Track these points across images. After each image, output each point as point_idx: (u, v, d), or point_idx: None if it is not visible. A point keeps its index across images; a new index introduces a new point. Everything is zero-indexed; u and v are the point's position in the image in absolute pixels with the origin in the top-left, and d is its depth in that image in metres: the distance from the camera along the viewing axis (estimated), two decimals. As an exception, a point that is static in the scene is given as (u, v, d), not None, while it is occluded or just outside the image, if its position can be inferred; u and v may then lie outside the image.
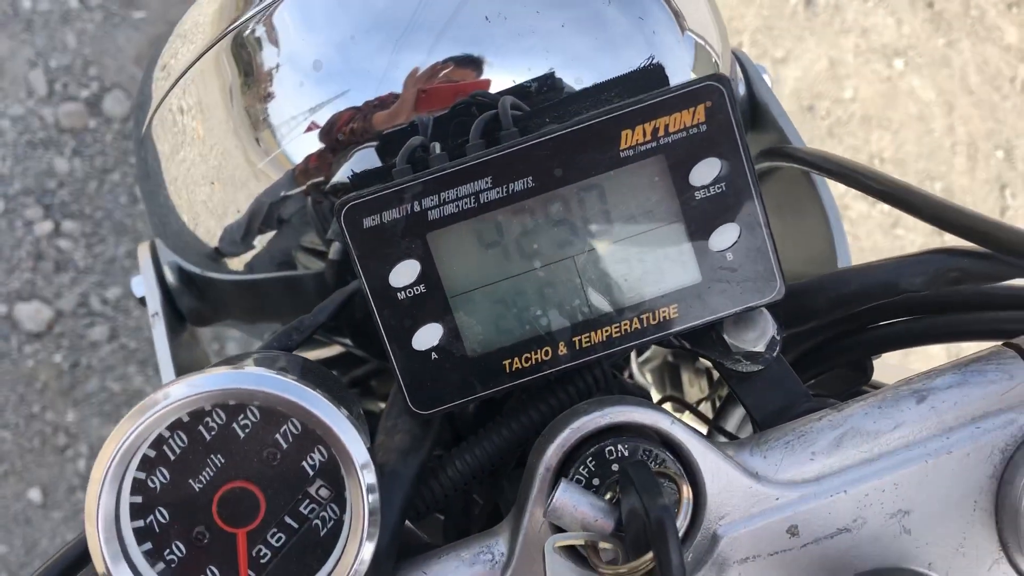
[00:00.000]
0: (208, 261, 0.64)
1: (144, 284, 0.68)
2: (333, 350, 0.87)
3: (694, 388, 0.93)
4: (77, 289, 2.04)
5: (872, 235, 3.13)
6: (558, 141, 0.45)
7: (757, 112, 0.70)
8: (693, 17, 0.61)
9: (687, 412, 0.80)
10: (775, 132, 0.68)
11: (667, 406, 0.79)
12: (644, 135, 0.45)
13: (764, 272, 0.47)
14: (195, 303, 0.69)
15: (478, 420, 0.62)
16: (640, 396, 0.57)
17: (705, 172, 0.46)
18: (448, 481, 0.49)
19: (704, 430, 0.69)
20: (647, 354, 0.98)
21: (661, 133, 0.45)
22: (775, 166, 0.69)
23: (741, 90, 0.69)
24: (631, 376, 0.84)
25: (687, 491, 0.41)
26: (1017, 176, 3.52)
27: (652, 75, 0.53)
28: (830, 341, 0.60)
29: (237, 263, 0.63)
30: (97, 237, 2.07)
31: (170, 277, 0.69)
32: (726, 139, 0.45)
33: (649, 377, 0.99)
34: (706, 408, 0.84)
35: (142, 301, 0.69)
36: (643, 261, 0.46)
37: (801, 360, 0.62)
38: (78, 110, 2.08)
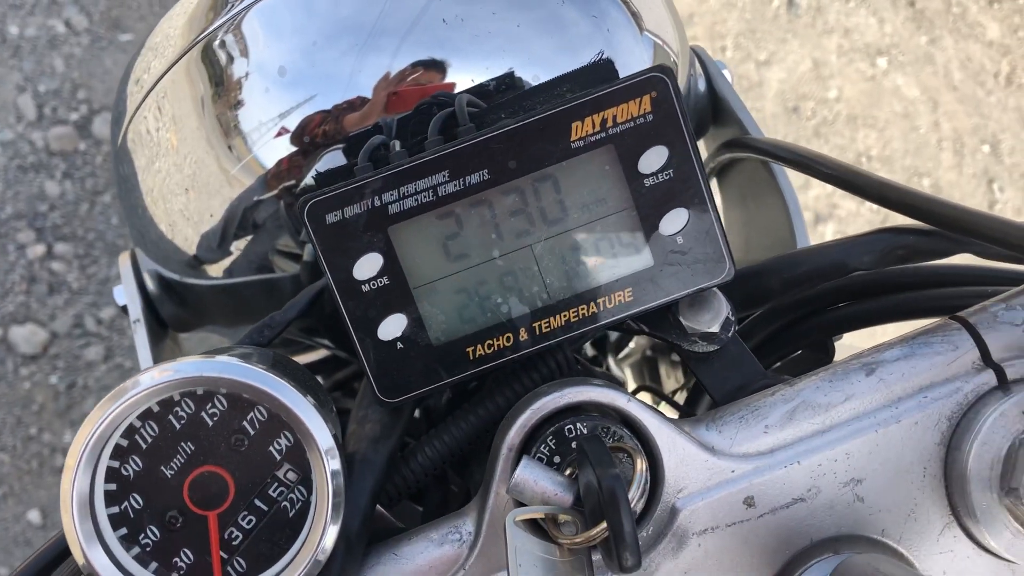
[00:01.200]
0: (187, 268, 0.66)
1: (125, 292, 0.70)
2: (318, 354, 0.88)
3: (671, 380, 0.95)
4: (71, 310, 2.06)
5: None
6: (511, 134, 0.47)
7: (718, 106, 0.72)
8: (650, 18, 0.63)
9: (663, 403, 0.82)
10: (735, 125, 0.70)
11: (643, 395, 0.81)
12: (593, 126, 0.47)
13: (714, 254, 0.48)
14: (176, 309, 0.71)
15: (450, 409, 0.63)
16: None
17: (653, 160, 0.47)
18: (419, 467, 0.51)
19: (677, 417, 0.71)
20: (626, 350, 0.99)
21: (610, 124, 0.47)
22: (736, 157, 0.71)
23: (701, 86, 0.71)
24: (608, 369, 0.85)
25: (641, 463, 0.43)
26: (1004, 170, 3.55)
27: (603, 69, 0.55)
28: (792, 324, 0.62)
29: (215, 269, 0.64)
30: (90, 258, 2.09)
31: (151, 285, 0.70)
32: (672, 127, 0.47)
33: (629, 371, 1.01)
34: (682, 398, 0.86)
35: (124, 310, 0.70)
36: (597, 247, 0.48)
37: (765, 343, 0.63)
38: (68, 133, 2.11)
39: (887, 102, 3.41)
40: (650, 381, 0.97)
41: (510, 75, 0.56)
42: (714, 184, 0.78)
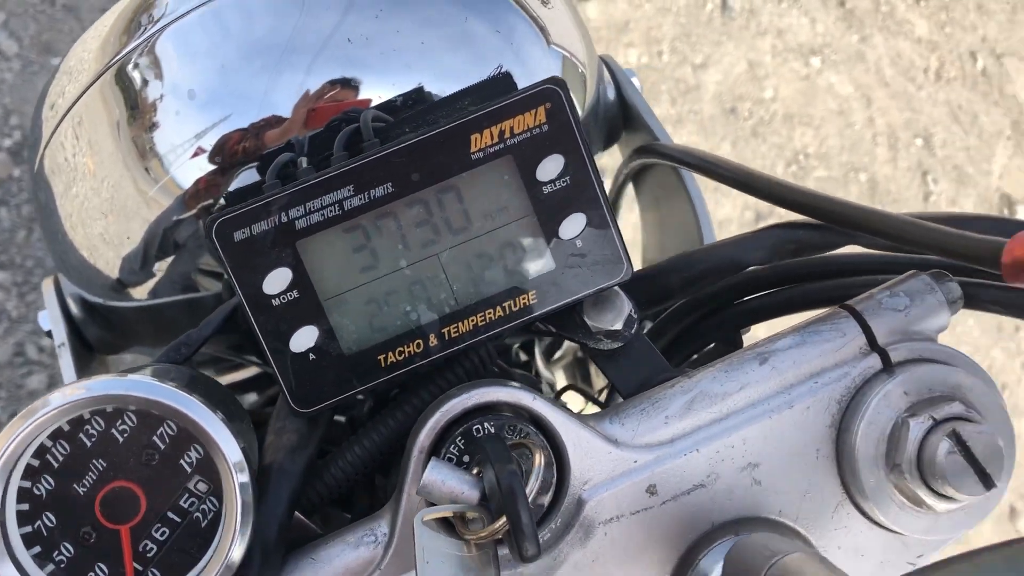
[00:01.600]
0: (110, 291, 0.66)
1: (49, 317, 0.70)
2: (250, 372, 0.89)
3: (600, 379, 0.98)
4: (12, 339, 2.03)
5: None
6: (412, 148, 0.48)
7: (628, 114, 0.74)
8: (557, 32, 0.66)
9: (590, 402, 0.84)
10: (645, 131, 0.73)
11: (570, 395, 0.83)
12: (492, 138, 0.49)
13: (611, 256, 0.51)
14: (101, 332, 0.71)
15: (372, 415, 0.64)
16: (523, 382, 0.60)
17: (550, 168, 0.50)
18: (339, 473, 0.52)
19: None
20: (559, 352, 1.02)
21: (507, 135, 0.49)
22: (648, 163, 0.73)
23: (611, 94, 0.74)
24: (536, 372, 0.87)
25: (539, 457, 0.44)
26: (937, 162, 3.66)
27: (502, 83, 0.57)
28: (702, 319, 0.65)
29: (139, 290, 0.65)
30: (29, 286, 2.06)
31: (75, 309, 0.71)
32: (566, 137, 0.49)
33: (561, 373, 1.03)
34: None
35: (50, 334, 0.70)
36: (502, 253, 0.50)
37: (679, 339, 0.66)
38: (1, 160, 2.07)
39: (822, 100, 3.50)
40: (581, 382, 0.99)
41: (417, 90, 0.58)
42: (630, 189, 0.81)
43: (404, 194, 0.49)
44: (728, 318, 0.62)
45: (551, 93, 0.49)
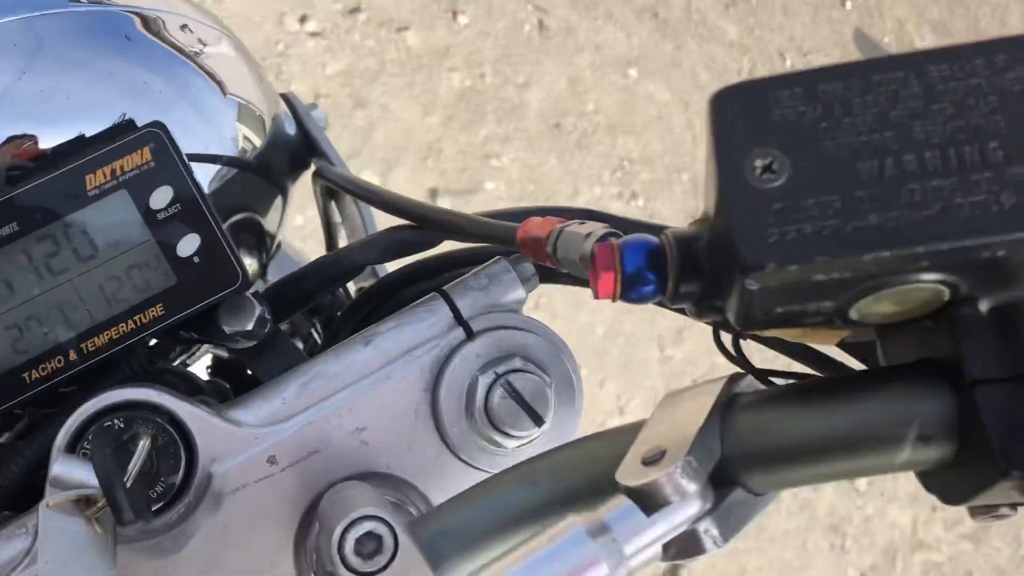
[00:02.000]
0: None
1: None
2: None
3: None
4: None
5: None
6: (31, 191, 0.56)
7: (311, 144, 0.84)
8: (233, 83, 0.75)
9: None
10: (325, 158, 0.82)
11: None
12: (105, 176, 0.57)
13: (226, 267, 0.59)
14: None
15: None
16: (210, 388, 0.69)
17: (161, 198, 0.58)
18: (5, 481, 0.59)
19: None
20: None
21: (119, 173, 0.58)
22: (331, 186, 0.83)
23: (290, 129, 0.83)
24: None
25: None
26: (756, 156, 3.90)
27: (125, 128, 0.64)
28: (371, 313, 0.74)
29: None
30: None
31: None
32: (172, 170, 0.58)
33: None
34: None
35: None
36: (129, 274, 0.58)
37: (357, 330, 0.75)
38: None
39: (642, 108, 3.70)
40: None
41: (67, 142, 0.65)
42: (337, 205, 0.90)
43: (30, 231, 0.57)
44: (384, 312, 0.72)
45: (153, 135, 0.58)
